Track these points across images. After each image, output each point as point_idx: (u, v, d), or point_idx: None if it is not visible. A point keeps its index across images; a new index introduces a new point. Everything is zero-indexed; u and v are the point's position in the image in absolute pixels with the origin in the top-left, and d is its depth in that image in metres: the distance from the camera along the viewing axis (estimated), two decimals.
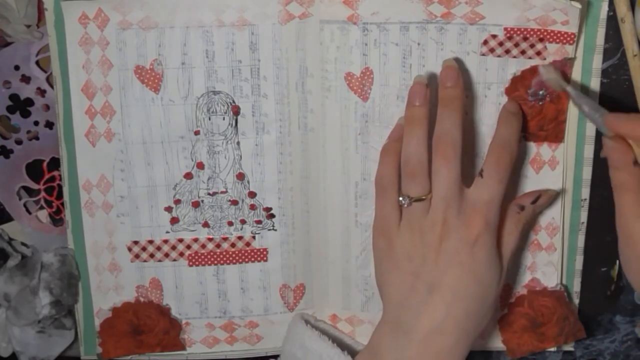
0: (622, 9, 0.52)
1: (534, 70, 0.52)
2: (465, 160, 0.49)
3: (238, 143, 0.54)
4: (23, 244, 0.58)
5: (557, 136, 0.54)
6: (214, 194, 0.56)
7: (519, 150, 0.54)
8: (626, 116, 0.47)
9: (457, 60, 0.52)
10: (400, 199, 0.50)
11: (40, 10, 0.53)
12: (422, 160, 0.49)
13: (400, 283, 0.50)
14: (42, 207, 0.57)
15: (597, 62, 0.53)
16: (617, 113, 0.48)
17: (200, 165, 0.55)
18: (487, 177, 0.49)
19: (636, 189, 0.48)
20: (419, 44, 0.52)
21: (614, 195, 0.49)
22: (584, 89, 0.53)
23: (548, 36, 0.51)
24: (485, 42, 0.52)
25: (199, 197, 0.55)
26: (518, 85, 0.53)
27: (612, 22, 0.52)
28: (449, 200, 0.49)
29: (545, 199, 0.54)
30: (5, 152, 0.56)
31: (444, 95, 0.50)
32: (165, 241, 0.56)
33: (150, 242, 0.56)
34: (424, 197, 0.49)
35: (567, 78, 0.53)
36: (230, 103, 0.54)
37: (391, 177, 0.51)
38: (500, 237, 0.51)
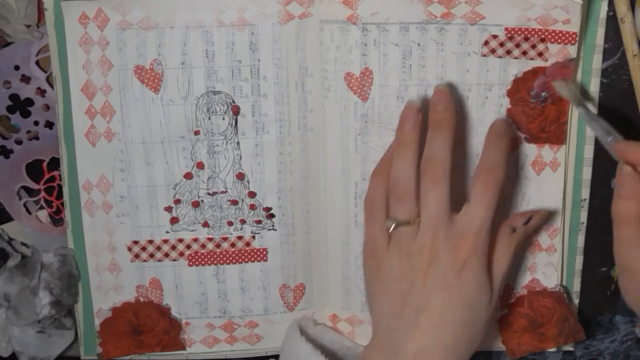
0: (622, 9, 0.51)
1: (535, 72, 0.52)
2: (455, 183, 0.49)
3: (238, 143, 0.54)
4: (23, 244, 0.58)
5: (558, 138, 0.54)
6: (214, 194, 0.56)
7: (520, 152, 0.54)
8: (636, 143, 0.46)
9: (450, 85, 0.52)
10: (387, 222, 0.50)
11: (40, 10, 0.53)
12: (410, 183, 0.49)
13: (389, 306, 0.50)
14: (42, 207, 0.57)
15: (597, 62, 0.53)
16: (627, 141, 0.47)
17: (200, 165, 0.55)
18: (475, 202, 0.49)
19: (638, 221, 0.47)
20: (419, 44, 0.52)
21: (614, 225, 0.48)
22: (584, 90, 0.54)
23: (550, 36, 0.51)
24: (486, 43, 0.52)
25: (198, 197, 0.55)
26: (520, 86, 0.52)
27: (612, 22, 0.52)
28: (437, 224, 0.48)
29: (538, 219, 0.53)
30: (5, 152, 0.56)
31: (434, 119, 0.50)
32: (165, 241, 0.56)
33: (150, 242, 0.56)
34: (411, 221, 0.49)
35: (584, 94, 0.53)
36: (230, 103, 0.54)
37: (380, 199, 0.51)
38: (492, 259, 0.50)
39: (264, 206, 0.56)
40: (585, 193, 0.56)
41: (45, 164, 0.56)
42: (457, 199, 0.49)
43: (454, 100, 0.50)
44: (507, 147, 0.51)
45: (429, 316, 0.48)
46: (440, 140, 0.49)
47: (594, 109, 0.53)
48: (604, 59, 0.53)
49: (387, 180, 0.50)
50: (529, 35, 0.51)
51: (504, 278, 0.51)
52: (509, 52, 0.52)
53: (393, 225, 0.49)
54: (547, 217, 0.55)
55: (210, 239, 0.56)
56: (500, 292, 0.51)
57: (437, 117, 0.50)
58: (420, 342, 0.48)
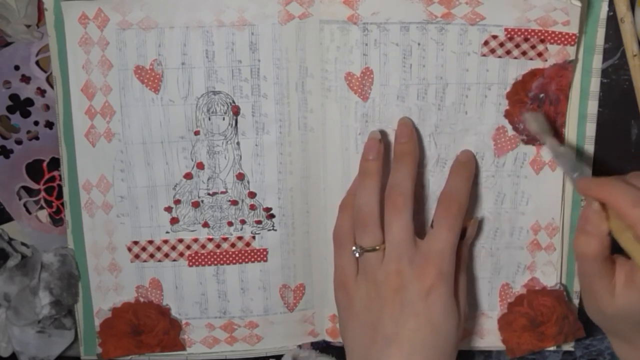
0: (622, 9, 0.52)
1: (534, 74, 0.52)
2: (419, 213, 0.50)
3: (238, 143, 0.54)
4: (23, 244, 0.58)
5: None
6: (214, 194, 0.55)
7: (518, 152, 0.54)
8: (598, 181, 0.46)
9: (411, 120, 0.53)
10: (353, 249, 0.51)
11: (40, 10, 0.53)
12: (373, 211, 0.50)
13: (360, 335, 0.51)
14: (42, 207, 0.57)
15: (597, 62, 0.53)
16: (591, 178, 0.47)
17: (200, 166, 0.55)
18: (437, 226, 0.50)
19: (601, 258, 0.46)
20: (419, 44, 0.52)
21: (575, 257, 0.48)
22: (585, 90, 0.54)
23: (549, 37, 0.51)
24: (486, 43, 0.52)
25: (198, 197, 0.55)
26: (518, 88, 0.53)
27: (612, 22, 0.52)
28: (401, 250, 0.49)
29: (471, 229, 0.54)
30: (5, 152, 0.56)
31: (397, 150, 0.52)
32: (165, 241, 0.56)
33: (150, 242, 0.56)
34: (377, 247, 0.50)
35: (554, 126, 0.53)
36: (230, 103, 0.54)
37: (348, 230, 0.52)
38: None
39: (264, 206, 0.56)
40: None
41: (45, 164, 0.56)
42: (422, 228, 0.51)
43: (415, 133, 0.52)
44: (470, 176, 0.53)
45: (400, 345, 0.49)
46: (402, 170, 0.51)
47: (559, 144, 0.52)
48: (604, 59, 0.53)
49: (353, 212, 0.52)
50: (528, 36, 0.51)
51: (467, 295, 0.53)
52: (508, 53, 0.52)
53: (358, 253, 0.50)
54: (477, 222, 0.55)
55: (210, 240, 0.56)
56: (466, 314, 0.52)
57: (401, 148, 0.52)
58: None
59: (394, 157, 0.52)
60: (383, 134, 0.53)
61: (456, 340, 0.51)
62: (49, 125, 0.55)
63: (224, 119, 0.54)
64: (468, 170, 0.53)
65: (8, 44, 0.54)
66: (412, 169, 0.51)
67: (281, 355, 0.59)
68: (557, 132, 0.54)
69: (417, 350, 0.49)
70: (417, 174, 0.52)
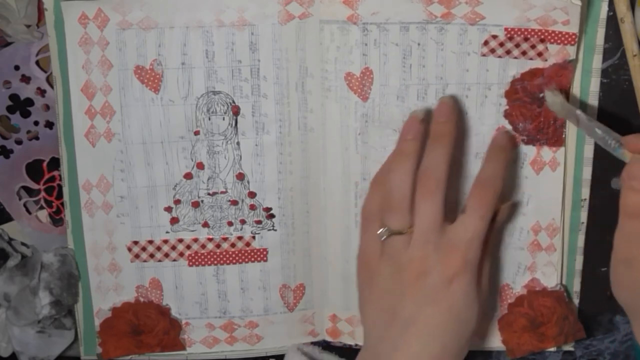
0: (622, 9, 0.52)
1: (533, 73, 0.52)
2: (451, 195, 0.49)
3: (238, 143, 0.54)
4: (23, 244, 0.58)
5: (556, 140, 0.54)
6: (214, 194, 0.56)
7: (517, 152, 0.54)
8: None
9: (454, 98, 0.52)
10: (380, 231, 0.50)
11: (40, 10, 0.53)
12: (404, 194, 0.49)
13: (379, 316, 0.50)
14: (42, 207, 0.57)
15: (597, 62, 0.53)
16: (637, 134, 0.46)
17: (200, 166, 0.55)
18: (469, 213, 0.49)
19: None
20: (419, 44, 0.52)
21: (621, 217, 0.47)
22: (585, 90, 0.54)
23: (549, 37, 0.51)
24: (486, 43, 0.52)
25: (198, 197, 0.55)
26: (517, 87, 0.53)
27: (612, 22, 0.52)
28: (428, 236, 0.48)
29: (502, 214, 0.53)
30: (5, 152, 0.56)
31: (435, 130, 0.50)
32: (165, 241, 0.56)
33: (150, 242, 0.56)
34: (404, 231, 0.49)
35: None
36: (230, 103, 0.54)
37: (377, 208, 0.51)
38: None
39: (264, 206, 0.56)
40: (585, 193, 0.56)
41: (45, 164, 0.56)
42: (453, 210, 0.50)
43: (456, 112, 0.51)
44: (506, 161, 0.51)
45: (418, 329, 0.48)
46: (438, 152, 0.49)
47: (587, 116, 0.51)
48: (604, 59, 0.53)
49: (384, 190, 0.50)
50: (528, 36, 0.51)
51: (489, 282, 0.52)
52: (508, 52, 0.52)
53: (385, 235, 0.49)
54: (513, 207, 0.54)
55: (210, 239, 0.56)
56: (487, 299, 0.52)
57: (438, 128, 0.50)
58: (408, 355, 0.48)
59: (430, 137, 0.50)
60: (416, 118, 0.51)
61: (474, 329, 0.50)
62: (49, 125, 0.55)
63: (224, 119, 0.54)
64: (505, 154, 0.52)
65: (8, 44, 0.54)
66: (448, 151, 0.49)
67: (281, 355, 0.59)
68: (558, 133, 0.54)
69: (435, 335, 0.48)
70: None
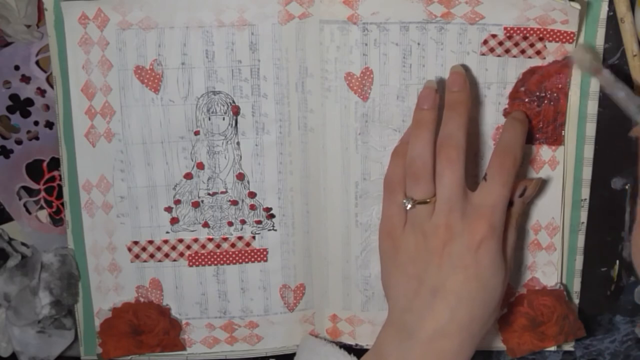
0: (622, 9, 0.52)
1: (533, 71, 0.52)
2: (470, 163, 0.49)
3: (238, 143, 0.54)
4: (23, 244, 0.58)
5: (556, 139, 0.54)
6: (214, 194, 0.56)
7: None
8: None
9: (463, 66, 0.52)
10: (404, 201, 0.50)
11: (40, 10, 0.53)
12: (426, 163, 0.49)
13: (405, 286, 0.50)
14: (42, 207, 0.57)
15: None
16: None
17: (200, 166, 0.55)
18: (491, 180, 0.49)
19: None
20: (419, 44, 0.52)
21: None
22: (585, 90, 0.53)
23: (548, 35, 0.51)
24: (485, 42, 0.52)
25: (199, 198, 0.55)
26: (517, 86, 0.53)
27: (612, 22, 0.52)
28: (452, 204, 0.48)
29: (532, 189, 0.53)
30: (5, 152, 0.56)
31: (449, 99, 0.50)
32: (165, 241, 0.56)
33: (150, 242, 0.56)
34: (428, 200, 0.49)
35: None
36: (230, 103, 0.54)
37: (399, 179, 0.51)
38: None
39: (264, 206, 0.56)
40: (585, 193, 0.56)
41: (45, 164, 0.56)
42: (473, 180, 0.49)
43: (468, 82, 0.51)
44: (524, 131, 0.52)
45: (445, 297, 0.48)
46: (455, 120, 0.49)
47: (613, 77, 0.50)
48: (604, 59, 0.53)
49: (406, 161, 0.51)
50: (527, 35, 0.51)
51: (513, 253, 0.52)
52: (507, 51, 0.52)
53: (410, 204, 0.49)
54: (541, 183, 0.54)
55: (210, 240, 0.56)
56: (511, 269, 0.52)
57: (453, 97, 0.50)
58: (436, 323, 0.48)
59: (446, 106, 0.50)
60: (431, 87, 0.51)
61: (500, 297, 0.50)
62: (49, 125, 0.55)
63: (224, 119, 0.54)
64: (523, 125, 0.52)
65: (8, 44, 0.54)
66: (464, 119, 0.49)
67: (281, 355, 0.59)
68: (557, 132, 0.54)
69: (462, 303, 0.48)
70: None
